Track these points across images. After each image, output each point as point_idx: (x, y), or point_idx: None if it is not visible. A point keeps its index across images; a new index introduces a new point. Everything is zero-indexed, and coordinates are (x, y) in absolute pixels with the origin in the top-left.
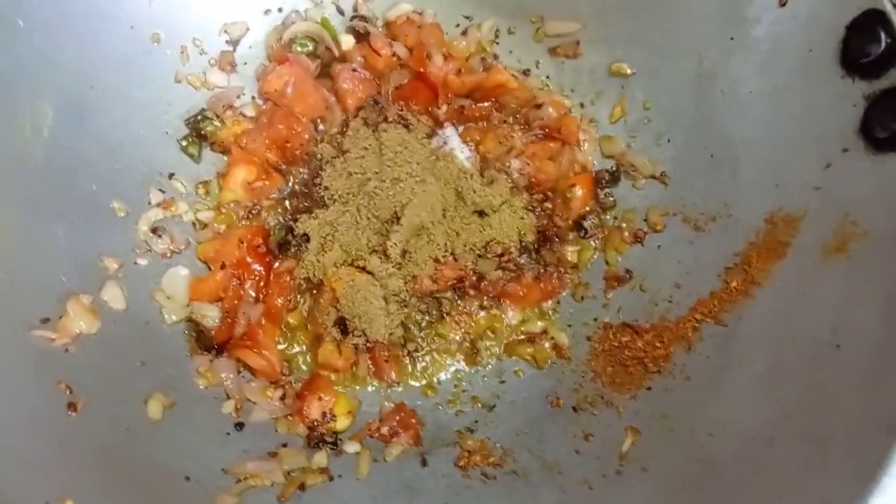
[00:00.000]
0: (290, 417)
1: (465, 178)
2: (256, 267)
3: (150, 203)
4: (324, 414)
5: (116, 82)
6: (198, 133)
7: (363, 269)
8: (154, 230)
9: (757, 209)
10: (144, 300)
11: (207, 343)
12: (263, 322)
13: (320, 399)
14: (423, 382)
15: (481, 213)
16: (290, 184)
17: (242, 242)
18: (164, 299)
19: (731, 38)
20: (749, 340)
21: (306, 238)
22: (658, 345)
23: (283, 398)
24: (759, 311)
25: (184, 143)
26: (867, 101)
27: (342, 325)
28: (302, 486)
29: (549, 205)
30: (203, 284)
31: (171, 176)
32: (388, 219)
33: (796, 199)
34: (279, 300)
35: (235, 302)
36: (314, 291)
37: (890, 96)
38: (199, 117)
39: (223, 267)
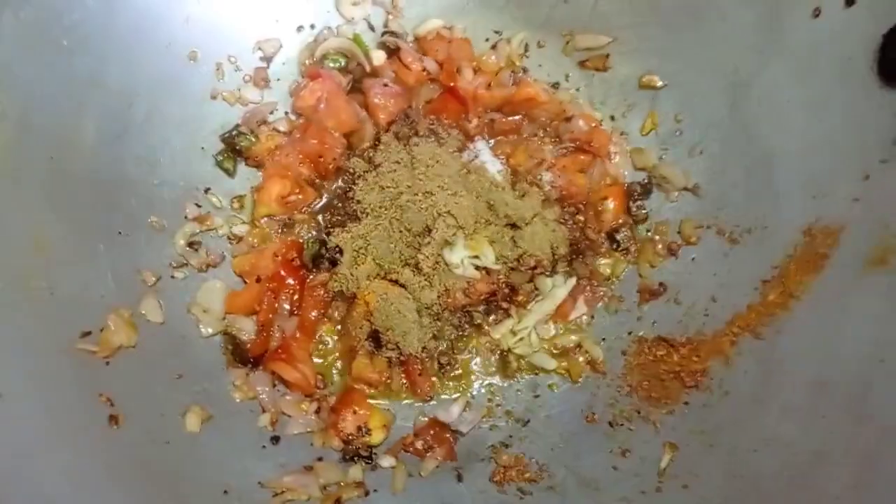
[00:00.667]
0: (325, 431)
1: (497, 191)
2: (290, 280)
3: (186, 217)
4: (359, 428)
5: (154, 100)
6: (233, 148)
7: (396, 282)
8: (190, 244)
9: (794, 221)
10: (181, 314)
11: (243, 356)
12: (298, 335)
13: (355, 413)
14: (457, 395)
15: (514, 226)
16: (324, 198)
17: (277, 256)
18: (200, 313)
19: (768, 48)
20: (789, 355)
21: (339, 251)
22: (695, 359)
23: (318, 412)
24: (798, 325)
25: (219, 159)
26: None
27: (375, 338)
28: (338, 501)
29: (581, 217)
30: (238, 298)
31: (206, 191)
32: (420, 232)
33: (835, 211)
34: (313, 313)
35: (270, 315)
36: (348, 305)
37: None
38: (234, 132)
39: (258, 280)
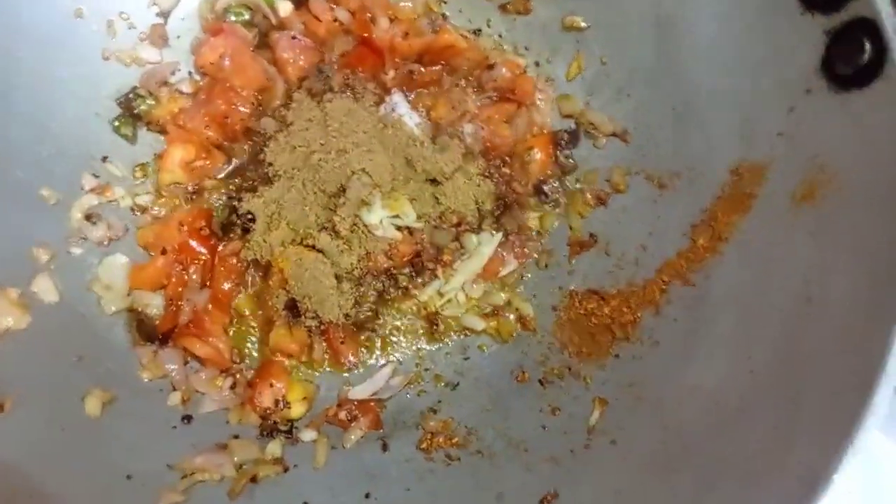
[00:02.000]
0: (241, 407)
1: (416, 146)
2: (200, 250)
3: (83, 189)
4: (277, 401)
5: (38, 61)
6: (131, 112)
7: (313, 247)
8: (88, 217)
9: (722, 162)
10: (80, 292)
11: (150, 333)
12: (210, 308)
13: (272, 386)
14: (382, 363)
15: (434, 182)
16: (233, 162)
17: (183, 225)
18: (101, 289)
19: None
20: (718, 300)
21: (251, 217)
22: (625, 310)
23: (233, 387)
24: (727, 269)
25: (116, 124)
26: (828, 36)
27: (293, 307)
28: (254, 479)
29: (507, 170)
30: (143, 272)
31: (104, 159)
32: (335, 192)
33: (761, 148)
34: (226, 284)
35: (179, 289)
36: (262, 273)
37: (851, 30)
38: (132, 96)
39: (164, 252)
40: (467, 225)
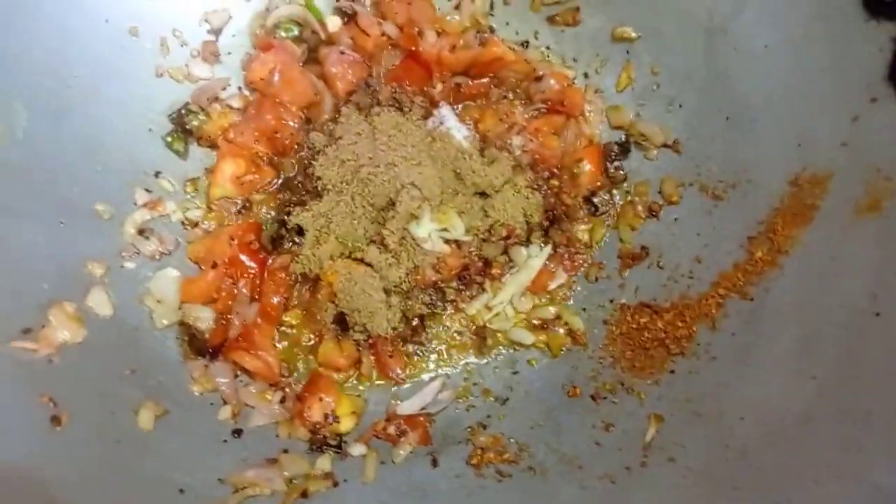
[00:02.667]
0: (291, 421)
1: (464, 159)
2: (250, 264)
3: (135, 204)
4: (326, 415)
5: (93, 79)
6: (183, 128)
7: (361, 260)
8: (141, 232)
9: (780, 172)
10: (133, 305)
11: (201, 347)
12: (259, 322)
13: (321, 400)
14: (431, 377)
15: (483, 195)
16: (282, 176)
17: (233, 239)
18: (153, 303)
19: None
20: (778, 314)
21: (300, 231)
22: (680, 324)
23: (282, 401)
24: (787, 282)
25: (168, 140)
26: (895, 43)
27: (342, 321)
28: (304, 494)
29: (555, 182)
30: (194, 286)
31: (157, 174)
32: (384, 206)
33: (822, 158)
34: (275, 298)
35: (229, 302)
36: (311, 287)
37: None
38: (184, 111)
39: (214, 266)
40: (516, 238)
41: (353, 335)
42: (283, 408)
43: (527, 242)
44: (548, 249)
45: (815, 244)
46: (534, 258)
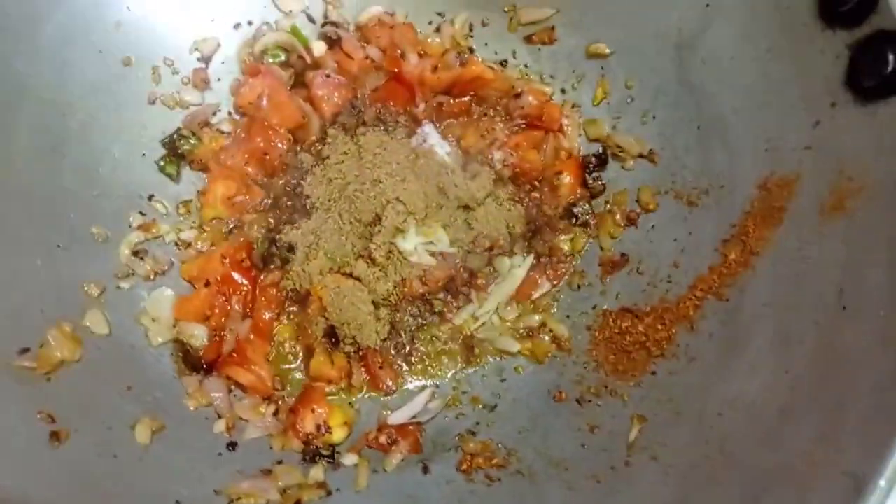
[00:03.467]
0: (284, 433)
1: (447, 174)
2: (242, 282)
3: (130, 226)
4: (318, 426)
5: (89, 108)
6: (175, 152)
7: (350, 275)
8: (136, 253)
9: (749, 177)
10: (129, 324)
11: (196, 363)
12: (252, 337)
13: (314, 411)
14: (420, 387)
15: (466, 208)
16: (272, 196)
17: (225, 258)
18: (149, 322)
19: (707, 6)
20: (753, 313)
21: (290, 249)
22: (660, 327)
23: (276, 414)
24: (761, 282)
25: (161, 164)
26: (851, 50)
27: (332, 334)
28: (299, 503)
29: (536, 194)
30: (188, 304)
31: (150, 198)
32: (370, 221)
33: (788, 162)
34: (266, 314)
35: (222, 319)
36: (301, 302)
37: (874, 42)
38: (176, 136)
39: (207, 284)
40: (499, 249)
41: (344, 348)
42: (276, 420)
43: (510, 253)
44: (530, 259)
45: (786, 244)
46: (517, 268)
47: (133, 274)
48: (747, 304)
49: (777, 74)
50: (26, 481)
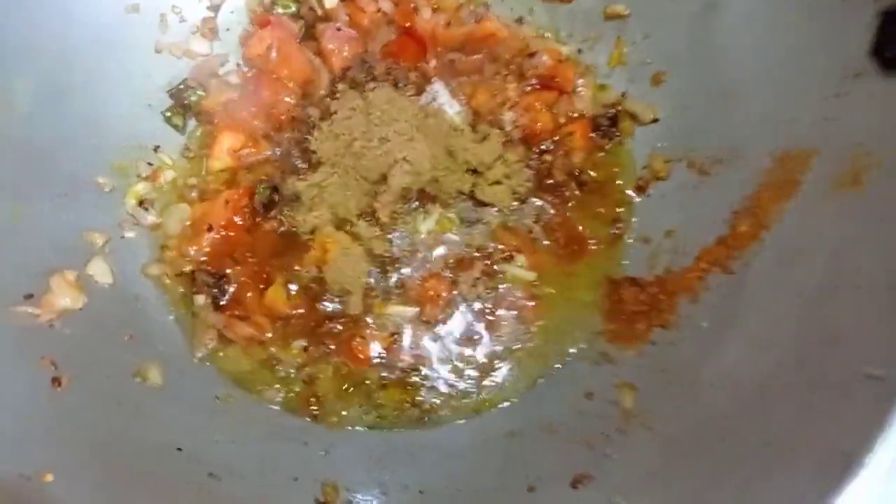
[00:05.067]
0: None
1: (456, 136)
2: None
3: (138, 177)
4: None
5: (94, 56)
6: (181, 104)
7: (348, 230)
8: (141, 203)
9: (765, 147)
10: (133, 275)
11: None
12: (248, 281)
13: None
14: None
15: (474, 171)
16: (278, 149)
17: (228, 202)
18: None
19: None
20: (754, 288)
21: (295, 198)
22: (662, 297)
23: None
24: (766, 256)
25: (168, 115)
26: (879, 18)
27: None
28: None
29: (548, 157)
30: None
31: (156, 149)
32: (376, 180)
33: (807, 133)
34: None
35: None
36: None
37: None
38: (182, 87)
39: (210, 230)
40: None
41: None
42: None
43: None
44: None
45: (797, 219)
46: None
47: (138, 224)
48: (752, 278)
49: (798, 41)
50: (26, 426)
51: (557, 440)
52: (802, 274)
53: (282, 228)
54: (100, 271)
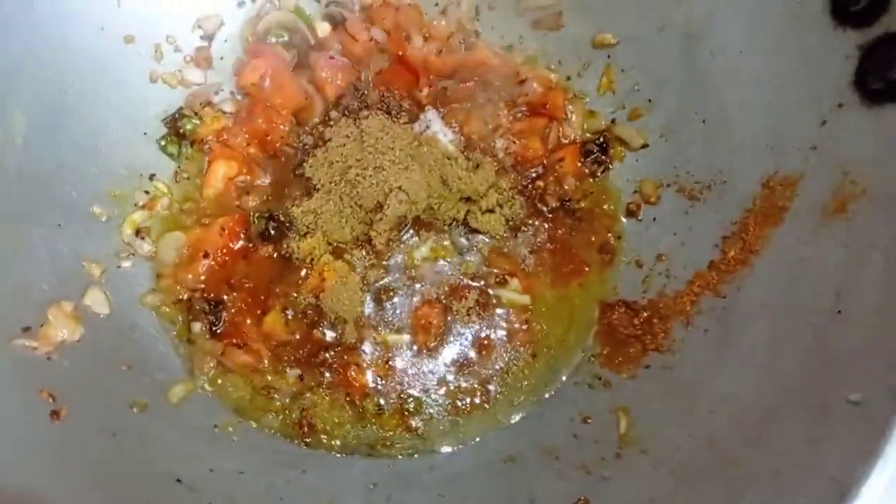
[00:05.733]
0: None
1: (450, 165)
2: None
3: (135, 205)
4: None
5: (90, 86)
6: (176, 132)
7: (342, 257)
8: (138, 232)
9: (753, 174)
10: (130, 304)
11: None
12: (244, 308)
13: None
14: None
15: (468, 199)
16: (273, 177)
17: (224, 230)
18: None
19: None
20: (749, 311)
21: (289, 225)
22: (656, 321)
23: None
24: (758, 281)
25: (163, 143)
26: (860, 51)
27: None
28: None
29: (540, 183)
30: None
31: (151, 177)
32: (371, 208)
33: (793, 161)
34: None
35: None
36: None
37: (884, 44)
38: (177, 116)
39: (206, 256)
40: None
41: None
42: None
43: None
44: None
45: (785, 244)
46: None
47: (134, 254)
48: (743, 303)
49: (785, 71)
50: (25, 459)
51: (556, 464)
52: (797, 300)
53: (277, 253)
54: (97, 301)
